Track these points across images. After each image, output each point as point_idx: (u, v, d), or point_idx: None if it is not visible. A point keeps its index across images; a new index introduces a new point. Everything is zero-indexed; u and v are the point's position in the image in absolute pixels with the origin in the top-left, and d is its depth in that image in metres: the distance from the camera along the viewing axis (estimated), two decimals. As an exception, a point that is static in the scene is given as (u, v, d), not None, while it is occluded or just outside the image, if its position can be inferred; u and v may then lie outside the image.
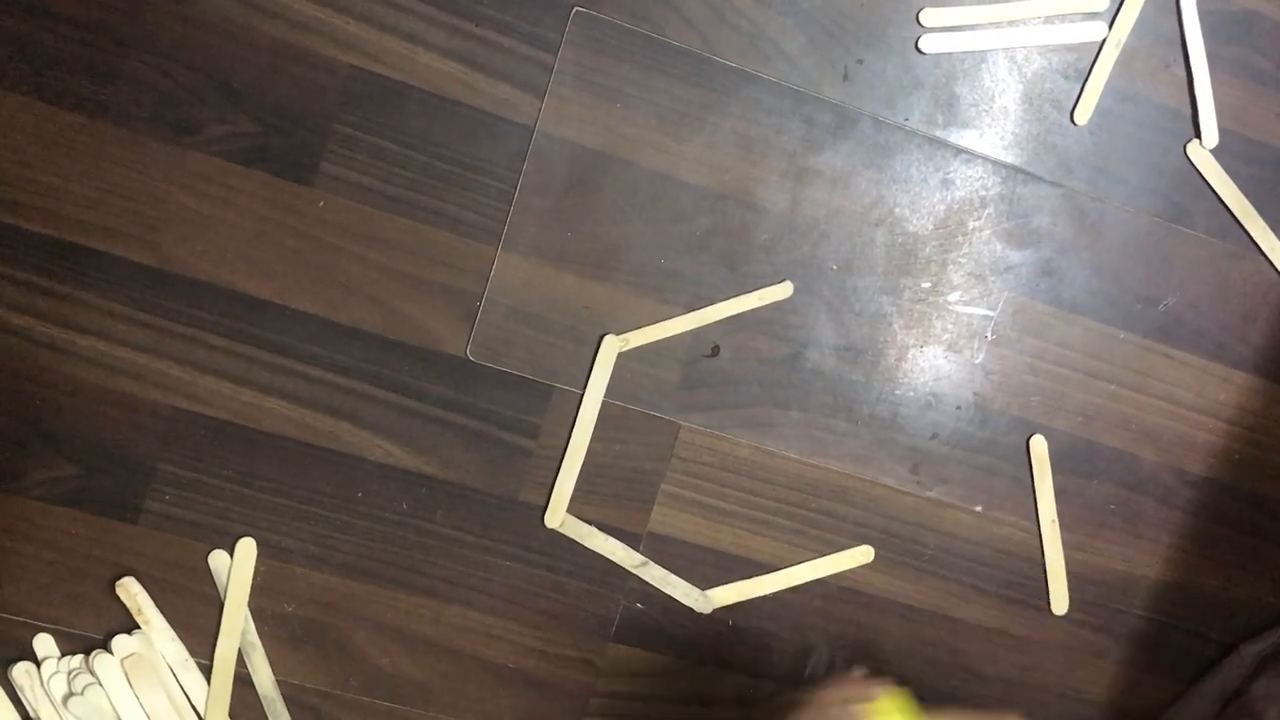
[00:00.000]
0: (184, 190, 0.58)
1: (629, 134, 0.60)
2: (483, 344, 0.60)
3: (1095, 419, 0.65)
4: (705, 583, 0.64)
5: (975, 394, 0.64)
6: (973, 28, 0.62)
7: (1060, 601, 0.65)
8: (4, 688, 0.59)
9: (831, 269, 0.62)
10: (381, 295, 0.59)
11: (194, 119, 0.57)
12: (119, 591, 0.59)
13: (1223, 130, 0.64)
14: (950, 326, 0.64)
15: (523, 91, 0.59)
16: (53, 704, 0.58)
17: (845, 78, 0.61)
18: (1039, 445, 0.64)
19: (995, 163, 0.63)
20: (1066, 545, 0.66)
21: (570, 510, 0.62)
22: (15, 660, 0.59)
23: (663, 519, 0.63)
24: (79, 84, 0.56)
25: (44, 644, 0.59)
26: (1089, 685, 0.67)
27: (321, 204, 0.59)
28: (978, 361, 0.64)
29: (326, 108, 0.58)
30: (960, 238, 0.63)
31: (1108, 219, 0.64)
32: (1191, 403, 0.66)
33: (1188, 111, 0.64)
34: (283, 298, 0.59)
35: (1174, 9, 0.63)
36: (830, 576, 0.64)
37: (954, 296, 0.63)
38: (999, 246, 0.63)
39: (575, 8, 0.59)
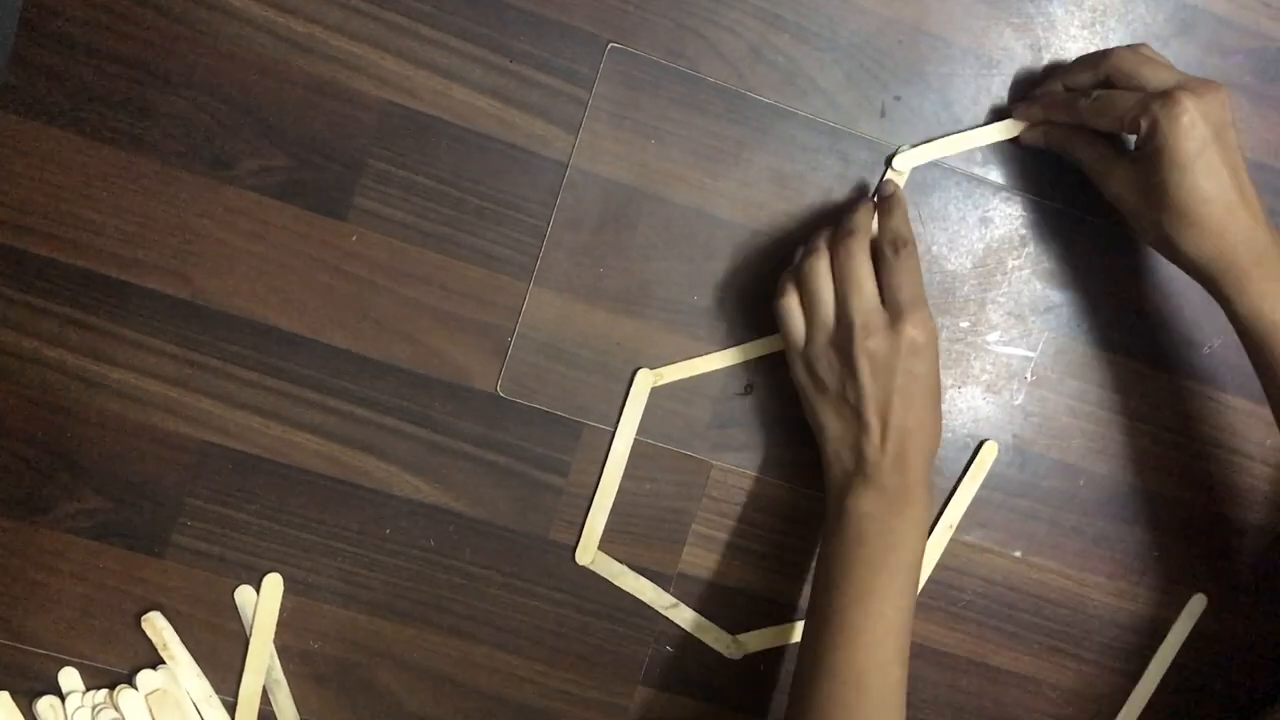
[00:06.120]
0: (218, 224, 0.58)
1: (663, 170, 0.60)
2: (513, 380, 0.60)
3: (1137, 463, 0.64)
4: (736, 625, 0.62)
5: (1015, 436, 0.63)
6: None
7: None
8: (28, 722, 0.59)
9: (867, 307, 0.61)
10: (412, 330, 0.59)
11: (229, 153, 0.57)
12: (145, 626, 0.59)
13: (1269, 168, 0.63)
14: (989, 367, 0.62)
15: (557, 127, 0.59)
16: (76, 739, 0.58)
17: (882, 114, 0.61)
18: (988, 452, 0.63)
19: (1036, 200, 0.62)
20: (1107, 592, 0.64)
21: (600, 549, 0.61)
22: (40, 694, 0.59)
23: (693, 560, 0.62)
24: (116, 118, 0.57)
25: (69, 678, 0.59)
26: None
27: (354, 238, 0.58)
28: (1017, 403, 0.63)
29: (360, 142, 0.58)
30: (1000, 276, 0.62)
31: (1151, 259, 0.63)
32: (1237, 447, 0.64)
33: (1233, 150, 0.62)
34: (314, 332, 0.59)
35: (1217, 47, 0.62)
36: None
37: (993, 336, 0.62)
38: (1039, 286, 0.62)
39: (610, 43, 0.59)
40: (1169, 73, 0.54)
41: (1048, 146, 0.60)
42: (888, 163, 0.60)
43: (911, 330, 0.53)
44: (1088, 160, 0.57)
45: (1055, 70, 0.60)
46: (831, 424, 0.56)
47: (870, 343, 0.53)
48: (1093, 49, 0.61)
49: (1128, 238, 0.62)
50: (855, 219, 0.56)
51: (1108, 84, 0.56)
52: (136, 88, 0.57)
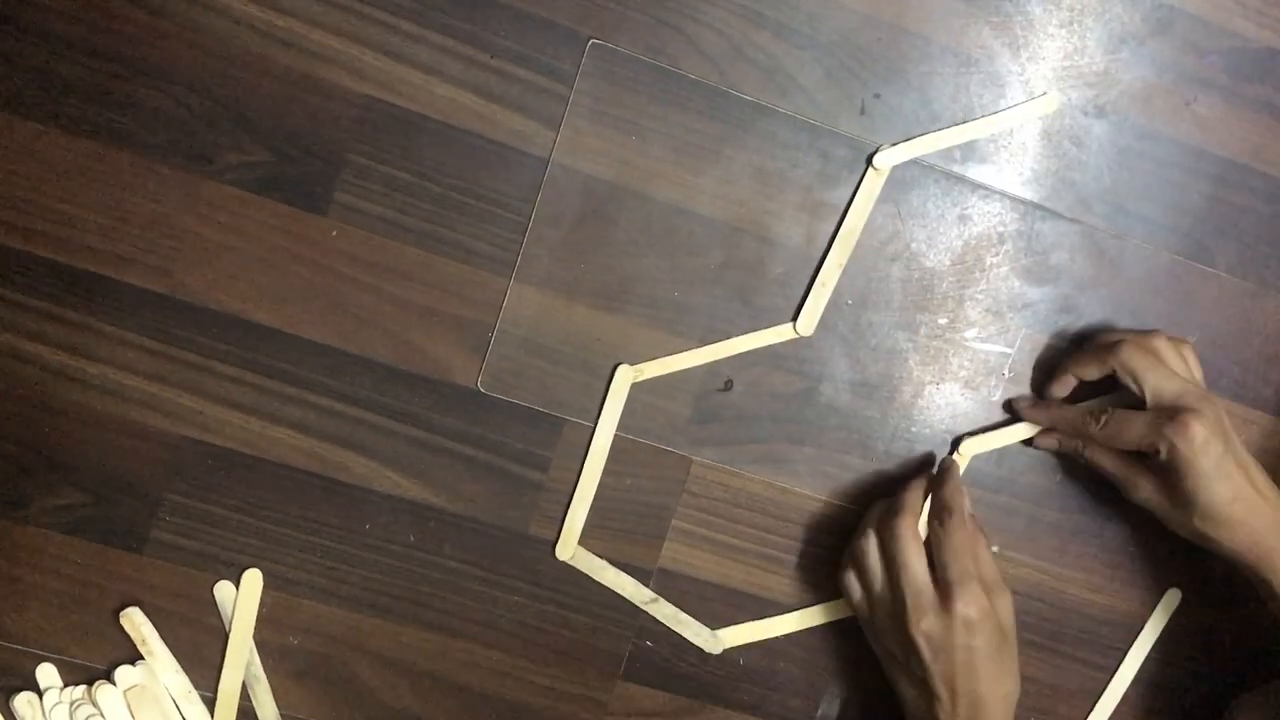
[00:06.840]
0: (197, 219, 0.58)
1: (644, 166, 0.60)
2: (494, 375, 0.60)
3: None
4: (716, 620, 0.63)
5: (992, 432, 0.63)
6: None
7: None
8: (6, 718, 0.58)
9: (847, 304, 0.62)
10: (393, 325, 0.59)
11: (209, 147, 0.57)
12: (123, 622, 0.59)
13: (1242, 167, 0.63)
14: (967, 363, 0.63)
15: (537, 123, 0.59)
16: (54, 735, 0.58)
17: (862, 112, 0.61)
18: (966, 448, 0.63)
19: (1013, 198, 0.62)
20: (1084, 587, 0.65)
21: (580, 545, 0.61)
22: (18, 690, 0.58)
23: (673, 555, 0.62)
24: (95, 112, 0.56)
25: (46, 674, 0.59)
26: (1107, 730, 0.66)
27: (334, 233, 0.58)
28: (995, 399, 0.63)
29: (341, 137, 0.58)
30: (978, 274, 0.62)
31: (1127, 256, 0.63)
32: (1212, 443, 0.65)
33: (1208, 149, 0.63)
34: (294, 327, 0.59)
35: (1193, 47, 0.62)
36: (844, 618, 0.63)
37: (971, 333, 0.63)
38: (1017, 283, 0.63)
39: (591, 40, 0.59)
40: (1171, 381, 0.57)
41: (1066, 454, 0.63)
42: (868, 161, 0.61)
43: (963, 608, 0.55)
44: (1111, 472, 0.61)
45: (1065, 358, 0.62)
46: (906, 691, 0.58)
47: (924, 624, 0.55)
48: (1071, 48, 0.62)
49: (1104, 235, 0.63)
50: (904, 498, 0.58)
51: (1114, 377, 0.59)
52: (115, 81, 0.57)
